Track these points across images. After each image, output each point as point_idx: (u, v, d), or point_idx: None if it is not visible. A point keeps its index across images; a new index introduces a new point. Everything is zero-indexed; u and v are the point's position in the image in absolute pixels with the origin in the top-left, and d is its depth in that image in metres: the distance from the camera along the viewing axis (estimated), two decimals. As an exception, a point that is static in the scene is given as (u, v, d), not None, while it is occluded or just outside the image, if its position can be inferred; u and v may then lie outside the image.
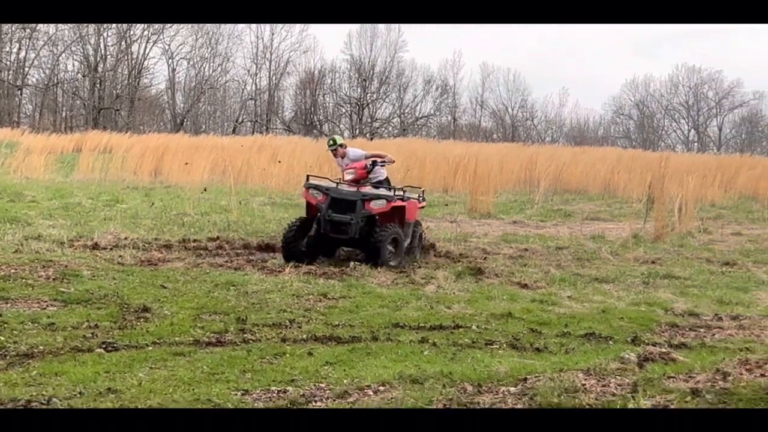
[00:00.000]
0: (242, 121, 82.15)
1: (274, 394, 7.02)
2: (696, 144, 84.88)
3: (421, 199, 16.04)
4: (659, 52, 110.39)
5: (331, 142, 16.13)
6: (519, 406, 6.36)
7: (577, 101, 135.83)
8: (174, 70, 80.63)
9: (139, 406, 6.56)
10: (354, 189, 14.94)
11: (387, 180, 15.96)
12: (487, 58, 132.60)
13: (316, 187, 15.03)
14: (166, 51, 79.43)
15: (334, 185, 15.01)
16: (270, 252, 15.35)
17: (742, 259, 16.29)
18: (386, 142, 47.77)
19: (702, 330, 10.40)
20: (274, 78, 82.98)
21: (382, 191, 15.12)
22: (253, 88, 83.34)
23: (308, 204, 15.21)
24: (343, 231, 14.65)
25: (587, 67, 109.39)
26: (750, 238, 19.65)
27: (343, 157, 15.83)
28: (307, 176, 15.55)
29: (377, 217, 14.79)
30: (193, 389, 7.13)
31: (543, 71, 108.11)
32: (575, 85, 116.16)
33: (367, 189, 15.07)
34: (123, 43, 75.09)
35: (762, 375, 6.56)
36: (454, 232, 19.19)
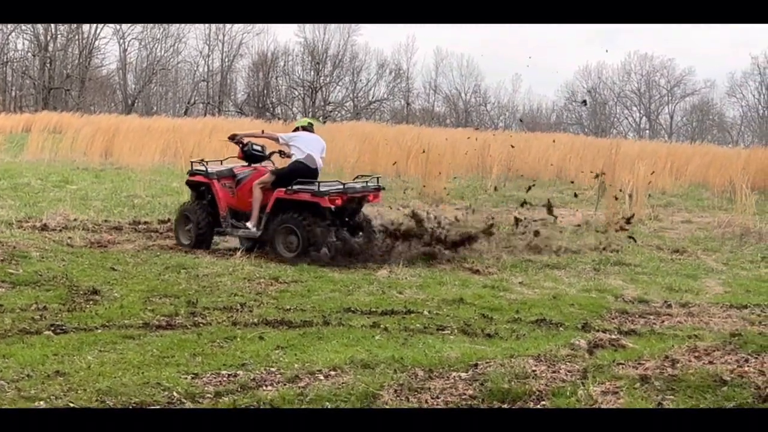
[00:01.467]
0: (194, 103, 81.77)
1: (225, 378, 7.00)
2: (648, 131, 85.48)
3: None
4: (615, 40, 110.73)
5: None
6: (470, 392, 6.38)
7: (530, 87, 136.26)
8: (125, 50, 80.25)
9: (88, 390, 6.50)
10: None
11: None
12: (440, 43, 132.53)
13: None
14: (118, 31, 78.97)
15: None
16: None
17: (691, 247, 16.39)
18: (339, 126, 47.62)
19: (651, 317, 10.46)
20: (226, 60, 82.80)
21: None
22: (206, 70, 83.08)
23: None
24: None
25: (541, 54, 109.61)
26: (700, 226, 19.78)
27: None
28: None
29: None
30: (142, 372, 7.08)
31: (496, 57, 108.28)
32: (528, 71, 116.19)
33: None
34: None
35: (710, 362, 6.62)
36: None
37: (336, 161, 24.94)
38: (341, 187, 13.93)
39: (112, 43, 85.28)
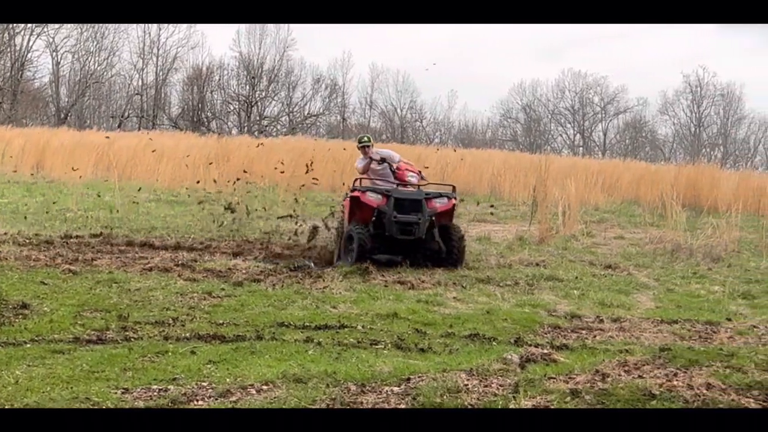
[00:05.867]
0: (128, 116, 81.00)
1: (155, 393, 6.94)
2: (581, 148, 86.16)
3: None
4: (551, 58, 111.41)
5: (366, 138, 15.98)
6: (402, 406, 6.37)
7: (466, 104, 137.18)
8: (58, 63, 79.21)
9: (16, 405, 6.41)
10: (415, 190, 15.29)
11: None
12: (376, 58, 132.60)
13: (374, 190, 15.08)
14: (51, 44, 78.00)
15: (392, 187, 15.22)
16: (155, 249, 15.15)
17: (623, 263, 16.54)
18: (275, 141, 47.49)
19: (584, 331, 10.54)
20: (161, 73, 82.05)
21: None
22: (140, 83, 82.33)
23: (354, 208, 15.19)
24: (410, 231, 14.78)
25: (478, 71, 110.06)
26: (632, 242, 20.00)
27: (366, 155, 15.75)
28: (359, 180, 15.53)
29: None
30: (71, 387, 7.00)
31: (432, 73, 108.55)
32: (466, 87, 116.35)
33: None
34: (5, 34, 73.42)
35: (640, 376, 6.68)
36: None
37: (271, 176, 24.83)
38: None
39: (44, 56, 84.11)
